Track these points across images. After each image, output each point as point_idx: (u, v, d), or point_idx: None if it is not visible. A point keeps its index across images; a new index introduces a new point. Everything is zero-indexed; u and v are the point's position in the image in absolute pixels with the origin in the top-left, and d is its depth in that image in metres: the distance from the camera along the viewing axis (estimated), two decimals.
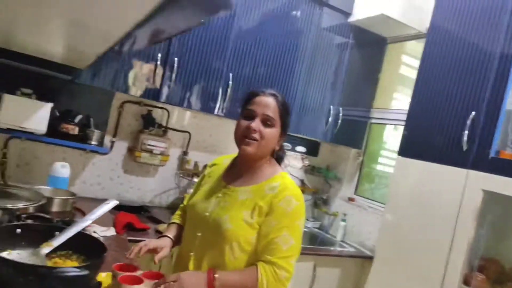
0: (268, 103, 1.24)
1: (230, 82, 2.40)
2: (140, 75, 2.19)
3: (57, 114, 2.21)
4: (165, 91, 2.25)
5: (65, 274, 0.92)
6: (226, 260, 1.20)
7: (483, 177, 1.80)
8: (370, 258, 2.50)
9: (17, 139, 2.20)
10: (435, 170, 2.02)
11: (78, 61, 1.45)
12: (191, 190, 1.51)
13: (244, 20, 2.41)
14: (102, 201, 1.34)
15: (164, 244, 1.28)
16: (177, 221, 1.44)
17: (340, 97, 2.82)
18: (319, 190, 3.23)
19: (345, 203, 3.01)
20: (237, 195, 1.26)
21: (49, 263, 1.08)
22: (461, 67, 2.02)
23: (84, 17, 0.61)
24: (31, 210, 1.29)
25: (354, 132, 2.97)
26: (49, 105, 2.02)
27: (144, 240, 1.29)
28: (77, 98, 2.31)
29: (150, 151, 2.45)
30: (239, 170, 1.32)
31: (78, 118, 2.29)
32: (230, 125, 2.76)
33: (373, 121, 3.02)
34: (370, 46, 2.92)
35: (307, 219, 3.12)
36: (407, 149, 2.23)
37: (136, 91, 2.20)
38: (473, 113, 1.90)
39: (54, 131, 2.16)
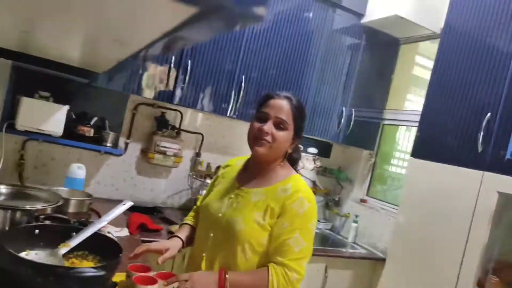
0: (281, 106, 1.25)
1: (243, 84, 2.41)
2: (154, 77, 2.22)
3: (73, 116, 2.26)
4: (178, 93, 2.28)
5: (82, 274, 0.94)
6: (238, 261, 1.21)
7: (498, 179, 1.78)
8: (383, 260, 2.49)
9: (35, 141, 2.26)
10: (449, 172, 2.00)
11: (97, 66, 1.47)
12: (204, 192, 1.53)
13: None
14: (116, 202, 1.36)
15: (171, 245, 1.29)
16: (189, 222, 1.45)
17: (353, 98, 2.82)
18: (330, 191, 3.22)
19: (357, 205, 2.99)
20: (249, 196, 1.27)
21: (67, 263, 1.11)
22: (476, 67, 1.99)
23: (106, 25, 0.62)
24: (49, 211, 1.33)
25: (367, 134, 2.95)
26: (66, 108, 2.06)
27: (156, 241, 1.31)
28: (92, 100, 2.36)
29: (164, 153, 2.48)
30: (252, 172, 1.33)
31: (94, 120, 2.33)
32: (242, 127, 2.77)
33: (386, 122, 3.00)
34: (382, 47, 2.90)
35: (319, 220, 3.12)
36: (421, 151, 2.21)
37: (150, 93, 2.24)
38: (489, 114, 1.88)
39: (70, 133, 2.20)
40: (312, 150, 3.03)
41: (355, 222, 2.88)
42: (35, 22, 0.79)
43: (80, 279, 0.94)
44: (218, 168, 2.16)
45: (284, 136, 1.25)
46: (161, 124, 2.53)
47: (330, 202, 3.18)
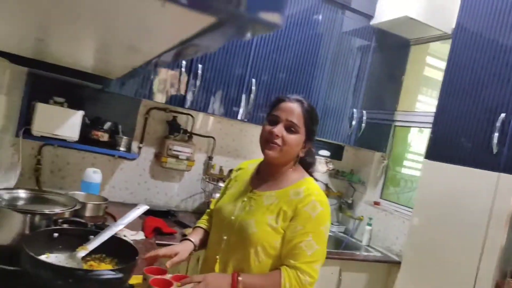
0: (292, 109, 1.25)
1: (253, 88, 2.43)
2: (166, 82, 2.25)
3: (87, 121, 2.30)
4: (189, 97, 2.30)
5: (101, 276, 0.96)
6: (251, 264, 1.21)
7: None
8: (398, 263, 2.47)
9: (51, 146, 2.30)
10: (464, 174, 1.98)
11: (111, 72, 1.50)
12: (217, 195, 1.54)
13: None
14: (130, 205, 1.38)
15: (181, 248, 1.29)
16: (202, 225, 1.46)
17: (363, 100, 2.81)
18: (343, 194, 3.21)
19: (370, 207, 2.98)
20: (262, 199, 1.27)
21: (85, 266, 1.13)
22: (489, 67, 1.97)
23: (122, 34, 0.64)
24: (66, 215, 1.35)
25: (378, 135, 2.94)
26: (81, 113, 2.10)
27: (170, 244, 1.32)
28: (105, 105, 2.40)
29: (176, 156, 2.50)
30: (264, 175, 1.34)
31: (107, 125, 2.37)
32: (253, 130, 2.79)
33: (398, 124, 2.98)
34: (393, 48, 2.89)
35: (332, 223, 3.10)
36: (434, 152, 2.19)
37: (161, 98, 2.26)
38: (503, 114, 1.85)
39: (85, 138, 2.24)
40: (324, 152, 3.03)
41: (369, 225, 2.87)
42: (49, 30, 0.80)
43: (98, 281, 0.96)
44: (231, 171, 2.18)
45: (295, 139, 1.25)
46: (173, 128, 2.55)
47: (343, 205, 3.17)
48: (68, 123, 2.08)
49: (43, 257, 1.11)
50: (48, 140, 2.11)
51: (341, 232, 3.09)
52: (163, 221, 2.16)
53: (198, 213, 2.66)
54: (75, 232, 1.23)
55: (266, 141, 1.25)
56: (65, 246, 1.18)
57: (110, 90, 2.13)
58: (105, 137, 2.30)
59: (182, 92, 2.29)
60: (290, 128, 1.25)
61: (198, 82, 2.28)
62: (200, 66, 2.28)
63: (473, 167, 1.94)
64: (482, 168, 1.90)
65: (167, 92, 2.27)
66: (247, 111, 2.44)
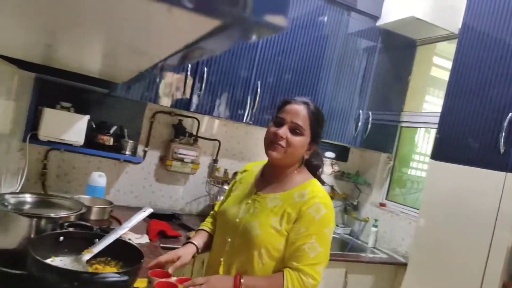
0: (298, 111, 1.25)
1: (258, 90, 2.42)
2: (171, 86, 2.26)
3: (93, 126, 2.31)
4: (195, 100, 2.30)
5: (106, 279, 0.96)
6: (254, 266, 1.21)
7: None
8: (404, 265, 2.45)
9: (57, 151, 2.32)
10: (470, 174, 1.96)
11: (118, 76, 1.51)
12: (222, 198, 1.54)
13: None
14: (135, 209, 1.39)
15: (183, 252, 1.29)
16: (205, 228, 1.46)
17: (369, 102, 2.80)
18: (349, 195, 3.19)
19: (376, 209, 2.96)
20: (266, 202, 1.27)
21: (90, 269, 1.13)
22: (496, 66, 1.96)
23: (128, 38, 0.64)
24: (72, 218, 1.36)
25: (384, 137, 2.92)
26: (87, 118, 2.11)
27: (175, 248, 1.32)
28: (111, 110, 2.41)
29: (181, 160, 2.51)
30: (269, 177, 1.34)
31: (113, 129, 2.38)
32: (258, 133, 2.79)
33: (404, 124, 2.96)
34: (399, 49, 2.88)
35: (337, 225, 3.09)
36: (441, 153, 2.17)
37: (167, 101, 2.27)
38: (510, 114, 1.84)
39: (91, 142, 2.25)
40: (330, 154, 3.02)
41: (375, 226, 2.85)
42: (58, 35, 0.81)
43: (104, 284, 0.96)
44: (235, 174, 2.18)
45: (300, 141, 1.25)
46: (179, 131, 2.56)
47: (349, 207, 3.15)
48: (74, 127, 2.09)
49: (49, 261, 1.12)
50: (55, 145, 2.12)
51: (346, 234, 3.07)
52: (167, 224, 2.17)
53: (202, 216, 2.66)
54: (81, 235, 1.23)
55: (271, 142, 1.25)
56: (70, 249, 1.18)
57: (116, 94, 2.14)
58: (110, 141, 2.31)
59: (188, 95, 2.29)
60: (295, 130, 1.24)
61: (203, 86, 2.29)
62: (205, 69, 2.29)
63: (480, 167, 1.92)
64: (489, 168, 1.88)
65: (173, 96, 2.28)
66: (252, 114, 2.44)
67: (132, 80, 1.50)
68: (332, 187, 3.13)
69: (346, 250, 2.77)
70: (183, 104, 2.30)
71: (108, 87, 1.88)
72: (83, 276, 0.98)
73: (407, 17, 2.52)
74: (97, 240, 1.21)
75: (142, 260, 1.12)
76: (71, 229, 1.27)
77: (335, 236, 2.97)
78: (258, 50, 2.42)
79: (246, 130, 2.80)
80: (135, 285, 1.18)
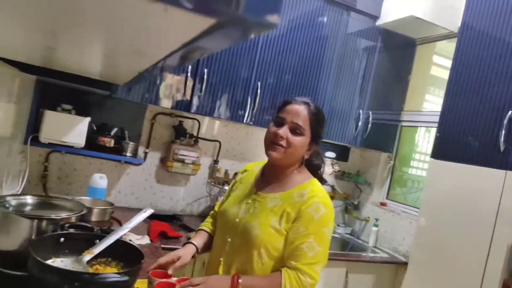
0: (298, 111, 1.25)
1: (258, 91, 2.43)
2: (171, 87, 2.27)
3: (94, 127, 2.32)
4: (195, 102, 2.31)
5: (107, 280, 0.97)
6: (254, 266, 1.21)
7: None
8: (405, 264, 2.45)
9: (58, 153, 2.33)
10: (471, 172, 1.96)
11: (118, 78, 1.52)
12: (222, 198, 1.54)
13: None
14: (136, 210, 1.39)
15: (183, 253, 1.29)
16: (205, 228, 1.46)
17: (370, 101, 2.80)
18: (349, 195, 3.19)
19: (377, 208, 2.96)
20: (266, 201, 1.27)
21: (91, 270, 1.13)
22: (495, 65, 1.96)
23: (127, 38, 0.65)
24: (73, 220, 1.36)
25: (385, 136, 2.93)
26: (87, 120, 2.12)
27: (176, 248, 1.33)
28: (112, 111, 2.42)
29: (182, 161, 2.51)
30: (269, 177, 1.34)
31: (114, 131, 2.39)
32: (258, 133, 2.79)
33: (404, 124, 2.96)
34: (399, 48, 2.88)
35: (338, 225, 3.09)
36: (441, 152, 2.17)
37: (167, 103, 2.28)
38: (510, 112, 1.84)
39: (91, 144, 2.26)
40: (330, 154, 3.02)
41: (376, 225, 2.85)
42: (57, 36, 0.82)
43: (104, 284, 0.96)
44: (236, 174, 2.18)
45: (300, 141, 1.25)
46: (179, 132, 2.56)
47: (349, 206, 3.16)
48: (75, 130, 2.10)
49: (49, 262, 1.12)
50: (56, 147, 2.13)
51: (347, 233, 3.07)
52: (168, 225, 2.17)
53: (203, 216, 2.66)
54: (81, 236, 1.24)
55: (271, 142, 1.25)
56: (71, 250, 1.19)
57: (117, 96, 2.15)
58: (111, 143, 2.31)
59: (188, 97, 2.30)
60: (295, 130, 1.24)
61: (203, 87, 2.30)
62: (205, 70, 2.29)
63: (480, 165, 1.92)
64: (489, 166, 1.88)
65: (173, 97, 2.28)
66: (252, 115, 2.44)
67: (132, 81, 1.51)
68: (332, 187, 3.13)
69: (347, 250, 2.77)
70: (183, 105, 2.31)
71: (109, 89, 1.89)
72: (83, 276, 0.99)
73: (407, 16, 2.52)
74: (97, 241, 1.21)
75: (142, 261, 1.12)
76: (71, 230, 1.28)
77: (336, 235, 2.97)
78: (258, 51, 2.43)
79: (247, 130, 2.81)
80: (137, 286, 1.18)
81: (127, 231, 1.31)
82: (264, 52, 2.44)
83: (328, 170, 2.99)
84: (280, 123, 1.26)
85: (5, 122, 1.82)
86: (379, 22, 2.75)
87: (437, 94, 2.90)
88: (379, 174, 3.04)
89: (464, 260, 1.92)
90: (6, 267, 1.10)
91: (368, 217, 2.99)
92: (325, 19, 2.60)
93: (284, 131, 1.23)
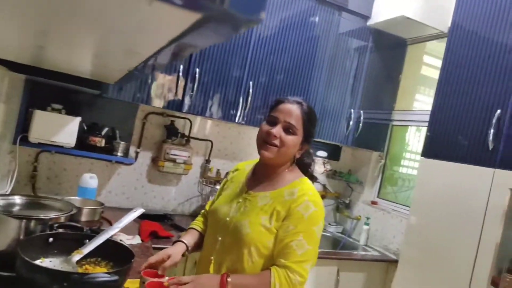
0: (291, 110, 1.25)
1: (250, 90, 2.43)
2: (163, 87, 2.26)
3: (85, 127, 2.30)
4: (187, 101, 2.30)
5: (96, 279, 0.96)
6: (244, 264, 1.21)
7: (510, 176, 1.75)
8: (395, 262, 2.47)
9: (48, 153, 2.30)
10: (460, 171, 1.98)
11: (108, 76, 1.51)
12: (214, 197, 1.54)
13: (263, 28, 2.45)
14: (127, 210, 1.38)
15: (173, 251, 1.29)
16: (195, 226, 1.46)
17: (361, 101, 2.81)
18: (341, 194, 3.21)
19: (368, 207, 2.98)
20: (256, 200, 1.27)
21: (80, 270, 1.12)
22: (485, 65, 1.98)
23: (116, 35, 0.65)
24: (62, 220, 1.35)
25: (376, 135, 2.94)
26: (78, 119, 2.10)
27: (166, 247, 1.32)
28: (103, 111, 2.40)
29: (174, 160, 2.50)
30: (260, 176, 1.34)
31: (105, 130, 2.37)
32: (250, 133, 2.79)
33: (395, 123, 2.98)
34: (390, 48, 2.90)
35: (330, 224, 3.11)
36: (431, 150, 2.19)
37: (159, 102, 2.27)
38: (499, 111, 1.86)
39: (82, 144, 2.24)
40: (322, 153, 3.03)
41: (367, 224, 2.86)
42: (48, 36, 0.81)
43: (93, 284, 0.96)
44: (227, 174, 2.17)
45: (293, 141, 1.25)
46: (171, 132, 2.55)
47: (341, 205, 3.17)
48: (66, 129, 2.08)
49: (38, 262, 1.11)
50: (45, 147, 2.11)
51: (338, 232, 3.08)
52: (159, 225, 2.16)
53: (195, 216, 2.61)
54: (70, 236, 1.23)
55: (264, 141, 1.25)
56: (60, 250, 1.18)
57: (108, 95, 2.13)
58: (102, 142, 2.30)
59: (180, 96, 2.29)
60: (288, 129, 1.25)
61: (195, 86, 2.29)
62: (197, 70, 2.29)
63: (469, 164, 1.94)
64: (478, 164, 1.90)
65: (165, 97, 2.27)
66: (244, 114, 2.44)
67: (123, 80, 1.50)
68: (324, 186, 3.14)
69: (338, 248, 2.78)
70: (175, 105, 2.30)
71: (99, 88, 1.88)
72: (72, 276, 0.98)
73: (397, 16, 2.54)
74: (87, 241, 1.20)
75: (132, 260, 1.11)
76: (61, 230, 1.26)
77: (328, 234, 2.99)
78: (250, 50, 2.43)
79: (239, 130, 2.80)
80: (127, 285, 1.18)
81: (118, 231, 1.30)
82: (256, 51, 2.44)
83: (319, 169, 3.00)
84: (273, 122, 1.26)
85: None
86: (370, 22, 2.76)
87: (428, 93, 2.92)
88: (370, 173, 3.06)
89: (454, 257, 1.93)
90: None
91: (360, 216, 3.00)
92: (317, 19, 2.61)
93: (277, 130, 1.24)
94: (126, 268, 1.08)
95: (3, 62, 1.46)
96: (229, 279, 1.14)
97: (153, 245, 1.91)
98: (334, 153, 3.12)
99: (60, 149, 2.14)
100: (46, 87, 2.16)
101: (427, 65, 3.00)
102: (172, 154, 2.50)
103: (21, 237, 1.18)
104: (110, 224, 1.97)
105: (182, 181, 2.69)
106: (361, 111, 2.80)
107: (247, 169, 1.42)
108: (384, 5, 2.67)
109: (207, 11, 0.42)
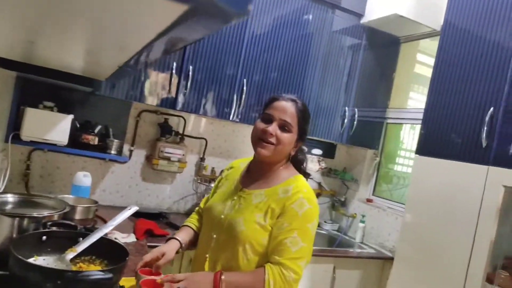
0: (286, 108, 1.25)
1: (244, 88, 2.42)
2: (156, 84, 2.25)
3: (77, 125, 2.28)
4: (180, 99, 2.29)
5: (90, 277, 0.95)
6: (239, 262, 1.21)
7: (504, 173, 1.77)
8: (391, 259, 2.48)
9: (40, 151, 2.28)
10: (454, 168, 1.99)
11: (99, 73, 1.50)
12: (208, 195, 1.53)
13: (256, 26, 2.44)
14: (121, 208, 1.37)
15: (167, 249, 1.28)
16: (189, 224, 1.46)
17: (355, 98, 2.82)
18: (336, 192, 3.21)
19: (363, 204, 2.99)
20: (251, 198, 1.27)
21: (74, 268, 1.12)
22: (478, 63, 1.99)
23: (105, 29, 0.64)
24: (55, 218, 1.34)
25: (370, 133, 2.95)
26: (70, 117, 2.09)
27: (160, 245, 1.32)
28: (96, 109, 2.38)
29: (168, 159, 2.49)
30: (255, 174, 1.34)
31: (98, 128, 2.35)
32: (245, 130, 2.79)
33: (389, 121, 2.99)
34: (383, 46, 2.91)
35: (325, 221, 3.11)
36: (425, 148, 2.20)
37: (152, 100, 2.26)
38: (492, 109, 1.87)
39: (75, 142, 2.22)
40: (317, 151, 3.04)
41: (362, 222, 2.88)
42: (39, 31, 0.81)
43: (88, 282, 0.95)
44: (222, 171, 2.17)
45: (288, 138, 1.26)
46: (165, 130, 2.54)
47: (336, 203, 3.18)
48: (58, 127, 2.06)
49: (31, 260, 1.10)
50: (38, 145, 2.09)
51: (334, 230, 3.09)
52: (154, 223, 2.15)
53: (189, 214, 2.63)
54: (64, 234, 1.22)
55: (259, 139, 1.25)
56: (54, 248, 1.17)
57: (101, 93, 2.12)
58: (95, 140, 2.28)
59: (173, 94, 2.28)
60: (284, 127, 1.25)
61: (189, 84, 2.28)
62: (190, 67, 2.28)
63: (463, 161, 1.95)
64: (471, 162, 1.91)
65: (158, 95, 2.26)
66: (239, 112, 2.44)
67: (114, 76, 1.49)
68: (319, 184, 3.15)
69: (334, 246, 2.79)
70: (169, 102, 2.29)
71: (92, 86, 1.86)
72: (66, 274, 0.97)
73: (391, 14, 2.55)
74: (81, 239, 1.19)
75: (127, 258, 1.11)
76: (54, 228, 1.25)
77: (323, 232, 2.99)
78: (244, 48, 2.42)
79: (233, 128, 2.80)
80: (123, 283, 1.17)
81: (112, 229, 1.29)
82: (249, 49, 2.44)
83: (314, 167, 3.01)
84: (268, 119, 1.26)
85: None
86: (363, 20, 2.77)
87: (421, 91, 2.94)
88: (365, 170, 3.07)
89: (449, 254, 1.95)
90: None
91: (355, 214, 3.01)
92: (310, 17, 2.61)
93: (273, 128, 1.24)
94: (121, 266, 1.07)
95: None
96: (223, 277, 1.13)
97: (148, 243, 1.90)
98: (329, 151, 3.13)
99: (52, 147, 2.12)
100: (38, 85, 2.14)
101: (421, 63, 3.01)
102: (166, 152, 2.49)
103: (14, 235, 1.17)
104: (105, 222, 1.96)
105: (176, 179, 2.68)
106: (356, 109, 2.81)
107: (242, 166, 1.42)
108: (377, 3, 2.68)
109: (193, 2, 0.42)
